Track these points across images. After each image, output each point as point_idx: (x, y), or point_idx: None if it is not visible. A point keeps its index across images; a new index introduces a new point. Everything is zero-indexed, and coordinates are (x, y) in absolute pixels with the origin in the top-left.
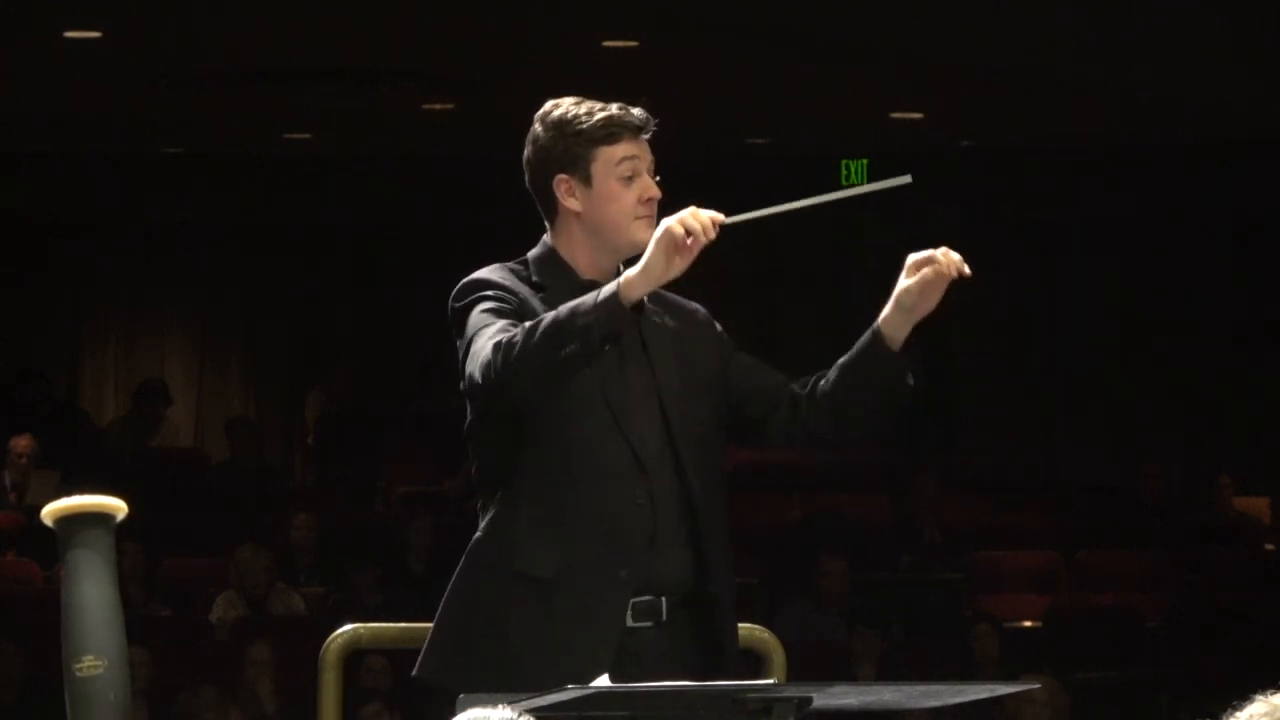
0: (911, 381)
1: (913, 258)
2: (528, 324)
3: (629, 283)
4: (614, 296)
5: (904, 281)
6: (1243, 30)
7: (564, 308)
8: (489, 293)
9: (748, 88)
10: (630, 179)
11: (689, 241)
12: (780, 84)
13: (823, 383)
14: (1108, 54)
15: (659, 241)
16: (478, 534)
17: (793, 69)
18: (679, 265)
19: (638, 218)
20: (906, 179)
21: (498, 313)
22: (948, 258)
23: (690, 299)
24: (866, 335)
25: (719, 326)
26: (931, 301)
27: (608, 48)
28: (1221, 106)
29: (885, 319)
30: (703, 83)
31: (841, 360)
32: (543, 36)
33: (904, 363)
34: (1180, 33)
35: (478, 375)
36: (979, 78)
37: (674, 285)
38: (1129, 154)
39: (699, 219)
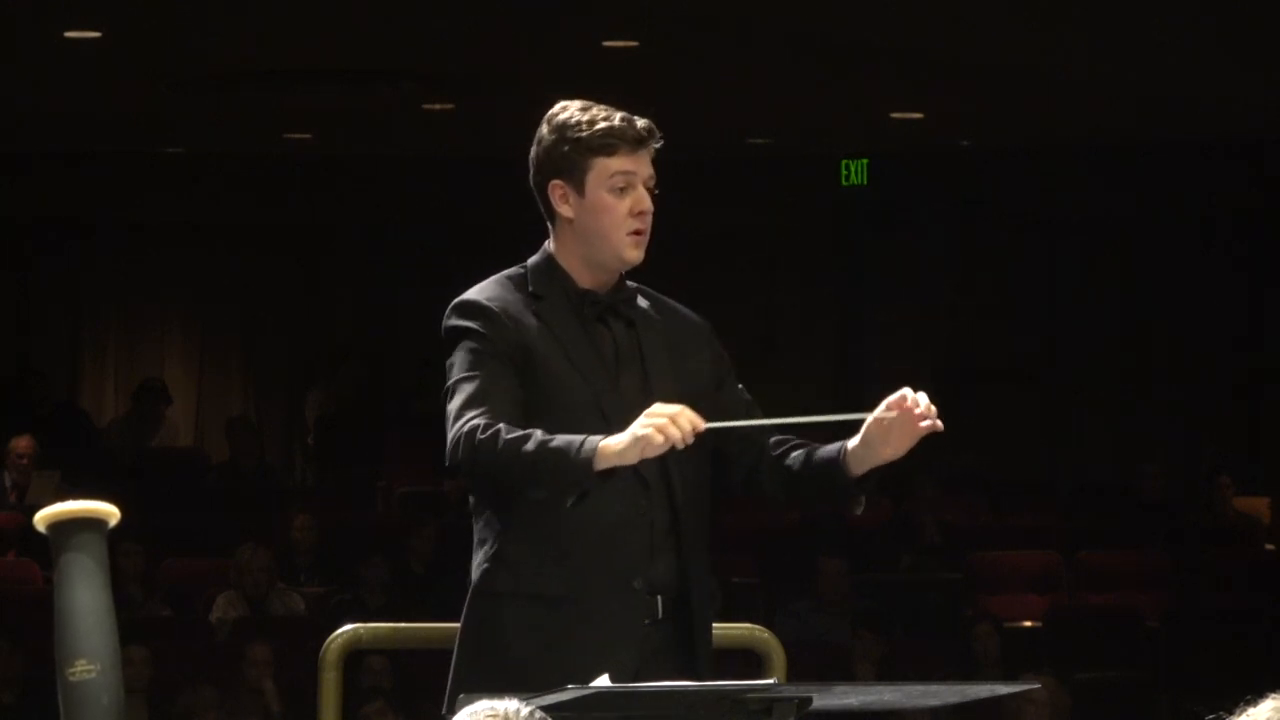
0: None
1: (888, 400)
2: (506, 435)
3: (604, 455)
4: (589, 464)
5: (875, 413)
6: (1242, 30)
7: (545, 448)
8: (478, 326)
9: (748, 88)
10: (623, 191)
11: (674, 443)
12: (780, 84)
13: (791, 458)
14: (1107, 54)
15: (638, 441)
16: (483, 564)
17: (793, 69)
18: (654, 455)
19: (629, 233)
20: (867, 416)
21: (482, 358)
22: (922, 400)
23: (692, 298)
24: (835, 450)
25: (719, 344)
26: (899, 447)
27: (608, 48)
28: (1221, 106)
29: (852, 449)
30: (703, 83)
31: (811, 452)
32: (543, 36)
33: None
34: (1179, 32)
35: (448, 447)
36: (979, 78)
37: (681, 284)
38: (1129, 154)
39: (681, 427)
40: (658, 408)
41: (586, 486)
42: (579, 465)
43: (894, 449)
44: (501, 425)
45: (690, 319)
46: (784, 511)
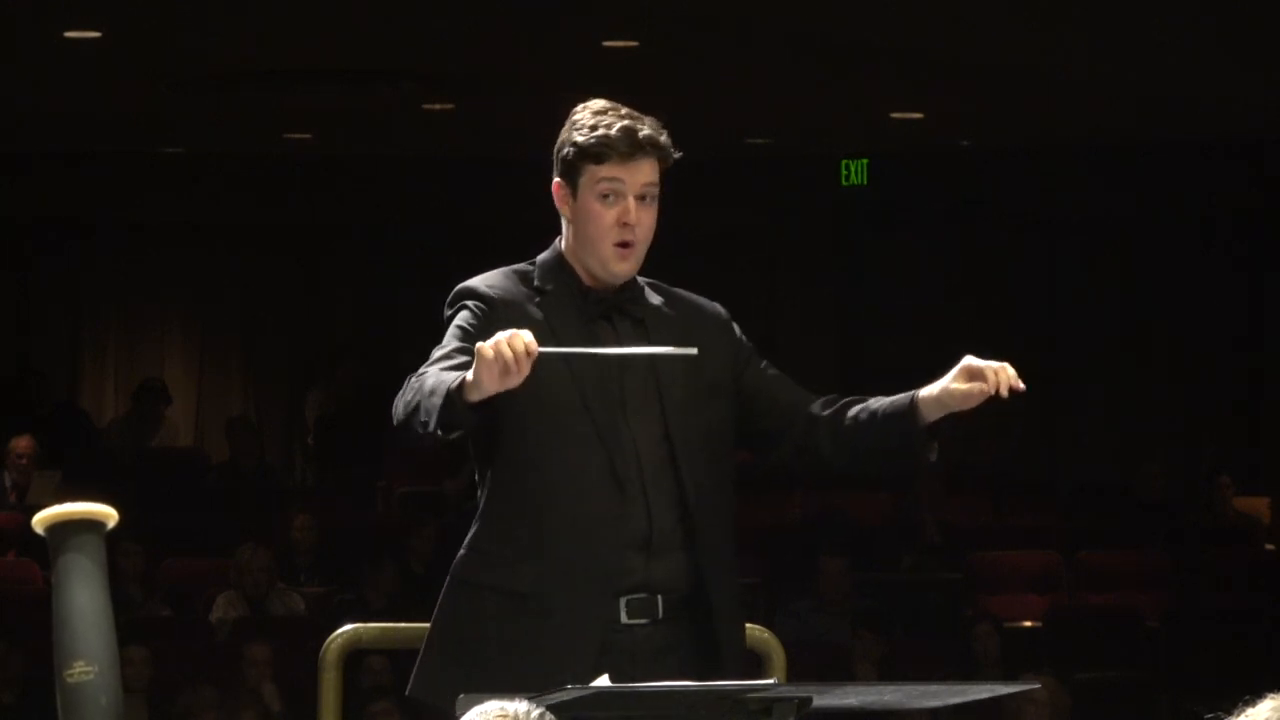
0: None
1: (968, 361)
2: (422, 374)
3: (468, 386)
4: (455, 393)
5: (953, 384)
6: (1242, 30)
7: (435, 379)
8: (470, 307)
9: (748, 88)
10: (608, 199)
11: (509, 364)
12: (780, 84)
13: (850, 416)
14: (1107, 54)
15: (480, 360)
16: (462, 550)
17: (793, 69)
18: (512, 380)
19: (615, 243)
20: (693, 351)
21: (464, 333)
22: (1000, 376)
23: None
24: (905, 400)
25: (738, 330)
26: (973, 404)
27: (608, 48)
28: (1221, 106)
29: (924, 399)
30: (703, 83)
31: (874, 406)
32: (543, 36)
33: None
34: (1179, 32)
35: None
36: (979, 78)
37: (681, 284)
38: (1129, 154)
39: (515, 347)
40: (500, 333)
41: (458, 419)
42: (445, 400)
43: (968, 405)
44: (429, 370)
45: (706, 310)
46: (785, 511)
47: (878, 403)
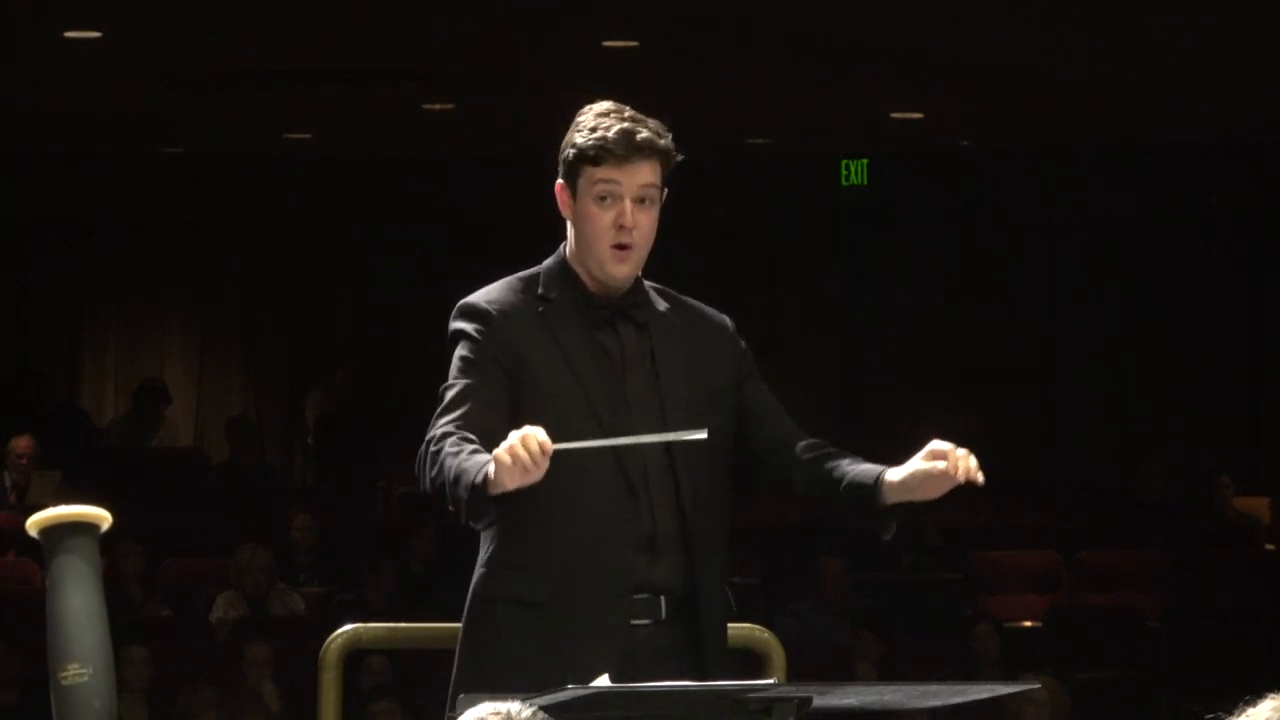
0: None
1: (934, 444)
2: (448, 450)
3: (490, 483)
4: (481, 489)
5: (918, 463)
6: (1242, 30)
7: (459, 468)
8: (472, 330)
9: (748, 88)
10: (605, 201)
11: (527, 466)
12: (780, 84)
13: (825, 469)
14: (1107, 54)
15: (499, 466)
16: (480, 569)
17: (793, 69)
18: (533, 477)
19: (612, 245)
20: (702, 434)
21: (469, 364)
22: (963, 463)
23: (691, 297)
24: (872, 477)
25: (743, 343)
26: (936, 492)
27: (608, 48)
28: (1221, 106)
29: (889, 482)
30: (703, 83)
31: (846, 470)
32: (543, 36)
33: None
34: (1179, 32)
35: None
36: (979, 78)
37: (681, 284)
38: (1129, 154)
39: (530, 449)
40: (513, 432)
41: (486, 510)
42: (478, 489)
43: (929, 494)
44: (450, 438)
45: (711, 319)
46: (785, 511)
47: (850, 466)
